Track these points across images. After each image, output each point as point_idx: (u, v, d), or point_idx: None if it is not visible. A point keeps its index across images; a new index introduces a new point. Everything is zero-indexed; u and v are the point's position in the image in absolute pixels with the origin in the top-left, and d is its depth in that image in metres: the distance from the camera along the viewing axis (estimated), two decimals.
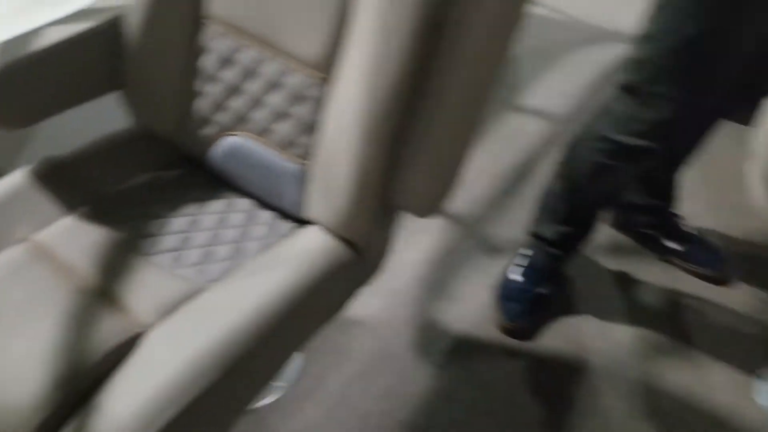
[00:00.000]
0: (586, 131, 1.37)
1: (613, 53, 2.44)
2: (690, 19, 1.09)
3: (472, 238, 1.72)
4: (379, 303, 1.54)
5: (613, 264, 1.68)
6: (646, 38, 1.18)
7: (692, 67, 1.14)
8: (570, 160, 1.42)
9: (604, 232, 1.73)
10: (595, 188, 1.40)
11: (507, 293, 1.54)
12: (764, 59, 1.26)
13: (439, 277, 1.62)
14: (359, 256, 1.00)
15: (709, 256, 1.66)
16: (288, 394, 1.34)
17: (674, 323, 1.56)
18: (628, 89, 1.23)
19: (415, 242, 1.69)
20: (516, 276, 1.56)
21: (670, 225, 1.68)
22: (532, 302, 1.53)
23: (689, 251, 1.64)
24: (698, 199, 1.84)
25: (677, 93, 1.17)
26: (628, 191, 1.63)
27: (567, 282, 1.61)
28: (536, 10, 2.71)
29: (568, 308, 1.57)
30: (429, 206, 0.95)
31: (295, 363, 1.39)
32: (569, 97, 2.24)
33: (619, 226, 1.73)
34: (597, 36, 2.56)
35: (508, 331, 1.50)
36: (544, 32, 2.57)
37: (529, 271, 1.55)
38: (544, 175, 1.90)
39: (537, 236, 1.54)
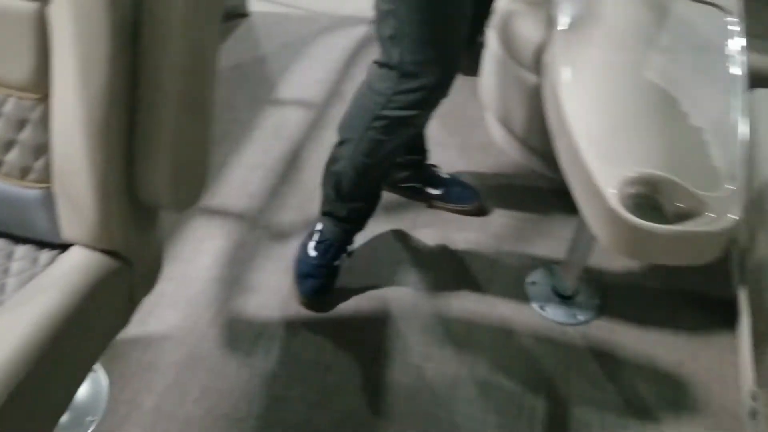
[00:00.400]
0: (356, 112, 1.44)
1: (354, 36, 2.62)
2: None
3: (258, 230, 1.79)
4: (178, 313, 1.55)
5: (391, 221, 1.83)
6: (385, 15, 1.26)
7: (435, 29, 1.24)
8: (347, 142, 1.48)
9: None
10: (375, 163, 1.48)
11: (304, 270, 1.62)
12: (475, 11, 1.42)
13: (235, 274, 1.66)
14: (129, 265, 1.02)
15: (466, 193, 1.87)
16: (101, 425, 1.32)
17: (451, 258, 1.74)
18: (387, 66, 1.31)
19: (205, 248, 1.72)
20: (312, 252, 1.63)
21: (428, 175, 1.86)
22: (328, 276, 1.62)
23: (448, 193, 1.84)
24: (449, 146, 2.06)
25: (431, 57, 1.27)
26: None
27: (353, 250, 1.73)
28: (278, 9, 2.82)
29: (361, 270, 1.69)
30: (183, 200, 0.99)
31: (102, 393, 1.37)
32: (323, 83, 2.37)
33: (387, 185, 1.88)
34: (335, 23, 2.72)
35: (310, 306, 1.58)
36: (288, 28, 2.69)
37: (322, 247, 1.63)
38: (314, 158, 2.02)
39: (329, 214, 1.62)
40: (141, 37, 0.85)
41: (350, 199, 1.55)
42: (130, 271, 1.02)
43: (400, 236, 1.79)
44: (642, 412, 1.42)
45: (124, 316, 1.06)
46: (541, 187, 1.94)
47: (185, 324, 1.53)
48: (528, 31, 1.65)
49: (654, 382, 1.48)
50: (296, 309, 1.59)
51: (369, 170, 1.49)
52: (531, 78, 1.69)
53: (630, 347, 1.55)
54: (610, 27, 1.30)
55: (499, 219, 1.85)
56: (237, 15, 2.71)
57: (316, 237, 1.65)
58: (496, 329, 1.58)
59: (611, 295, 1.66)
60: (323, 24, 2.72)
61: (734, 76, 1.14)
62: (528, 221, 1.85)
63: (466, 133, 2.13)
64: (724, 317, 1.58)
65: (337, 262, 1.64)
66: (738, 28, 1.24)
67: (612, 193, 0.90)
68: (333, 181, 1.55)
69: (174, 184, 0.95)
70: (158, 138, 0.89)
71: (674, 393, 1.46)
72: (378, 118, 1.37)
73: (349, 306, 1.60)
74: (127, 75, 0.86)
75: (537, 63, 1.60)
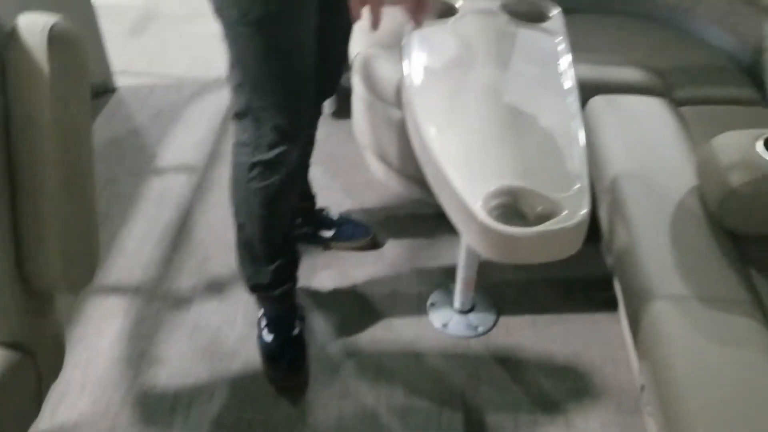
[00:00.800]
0: (235, 173, 1.46)
1: (224, 97, 2.66)
2: (253, 37, 1.25)
3: (157, 300, 1.78)
4: (89, 398, 1.52)
5: None
6: (232, 65, 1.33)
7: (276, 76, 1.30)
8: (240, 204, 1.49)
9: None
10: (272, 212, 1.48)
11: (270, 355, 1.60)
12: (327, 53, 1.48)
13: (140, 348, 1.64)
14: (31, 355, 1.01)
15: (358, 230, 1.94)
16: None
17: (353, 294, 1.80)
18: (242, 114, 1.37)
19: (106, 328, 1.69)
20: (267, 337, 1.62)
21: (319, 218, 1.92)
22: (294, 347, 1.61)
23: (341, 232, 1.91)
24: (334, 189, 2.13)
25: (275, 101, 1.32)
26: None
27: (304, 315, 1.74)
28: (145, 81, 2.83)
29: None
30: (76, 281, 1.00)
31: None
32: (200, 146, 2.40)
33: None
34: (204, 88, 2.76)
35: (291, 384, 1.56)
36: (158, 98, 2.70)
37: (272, 325, 1.62)
38: (203, 221, 2.04)
39: (257, 287, 1.61)
40: (12, 127, 0.87)
41: (267, 261, 1.54)
42: (32, 360, 1.01)
43: (302, 282, 1.83)
44: (549, 406, 1.53)
45: (33, 408, 1.05)
46: (426, 213, 2.05)
47: (97, 408, 1.50)
48: (387, 71, 1.77)
49: (555, 376, 1.59)
50: (206, 372, 1.59)
51: (270, 222, 1.49)
52: (397, 113, 1.80)
53: (529, 348, 1.66)
54: (458, 54, 1.43)
55: (393, 249, 1.94)
56: (104, 91, 2.69)
57: (263, 321, 1.63)
58: (405, 354, 1.65)
59: (506, 302, 1.78)
60: (192, 90, 2.75)
61: (569, 87, 1.29)
62: (419, 247, 1.94)
63: (348, 173, 2.21)
64: (608, 304, 1.72)
65: (295, 331, 1.63)
66: (564, 46, 1.39)
67: (478, 206, 1.00)
68: (246, 252, 1.54)
69: (65, 267, 0.97)
70: (43, 225, 0.91)
71: (575, 383, 1.58)
72: (252, 167, 1.40)
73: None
74: (3, 166, 0.87)
75: (400, 99, 1.72)
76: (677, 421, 1.04)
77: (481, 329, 1.70)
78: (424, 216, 2.04)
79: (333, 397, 1.53)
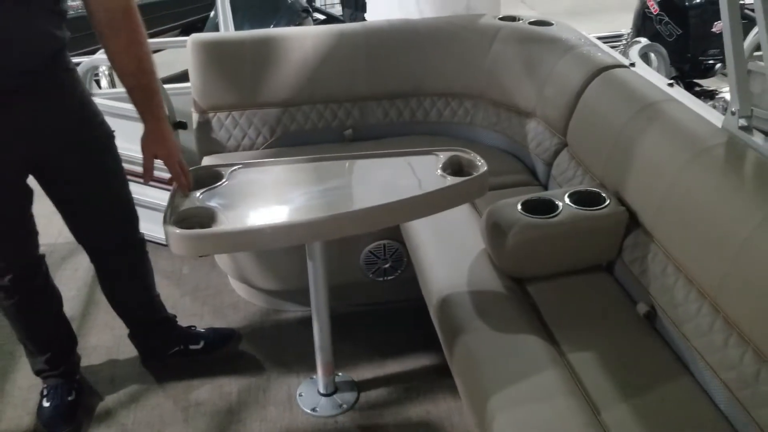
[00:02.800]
0: None
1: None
2: None
3: None
4: None
5: (167, 390, 2.02)
6: None
7: None
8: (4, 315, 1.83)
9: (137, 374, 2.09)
10: (29, 320, 1.82)
11: (48, 422, 1.89)
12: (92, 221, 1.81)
13: None
14: None
15: (225, 333, 2.19)
16: None
17: (227, 399, 1.98)
18: None
19: None
20: (45, 404, 1.91)
21: (186, 335, 2.12)
22: (69, 409, 1.91)
23: (211, 342, 2.13)
24: (203, 314, 2.33)
25: None
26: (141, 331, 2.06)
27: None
28: None
29: None
30: None
31: None
32: None
33: (152, 359, 2.11)
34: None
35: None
36: None
37: (51, 394, 1.92)
38: None
39: (38, 372, 1.94)
40: None
41: (39, 353, 1.90)
42: None
43: (179, 400, 1.99)
44: None
45: None
46: (289, 319, 2.30)
47: None
48: None
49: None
50: None
51: (28, 326, 1.85)
52: None
53: (388, 414, 1.91)
54: (273, 184, 1.77)
55: (262, 355, 2.14)
56: None
57: (44, 392, 1.92)
58: None
59: (363, 378, 2.03)
60: None
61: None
62: (285, 349, 2.16)
63: (215, 299, 2.42)
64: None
65: (70, 397, 1.92)
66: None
67: None
68: (24, 347, 1.92)
69: None
70: None
71: None
72: None
73: None
74: None
75: None
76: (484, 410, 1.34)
77: (345, 406, 1.93)
78: (287, 323, 2.29)
79: None
